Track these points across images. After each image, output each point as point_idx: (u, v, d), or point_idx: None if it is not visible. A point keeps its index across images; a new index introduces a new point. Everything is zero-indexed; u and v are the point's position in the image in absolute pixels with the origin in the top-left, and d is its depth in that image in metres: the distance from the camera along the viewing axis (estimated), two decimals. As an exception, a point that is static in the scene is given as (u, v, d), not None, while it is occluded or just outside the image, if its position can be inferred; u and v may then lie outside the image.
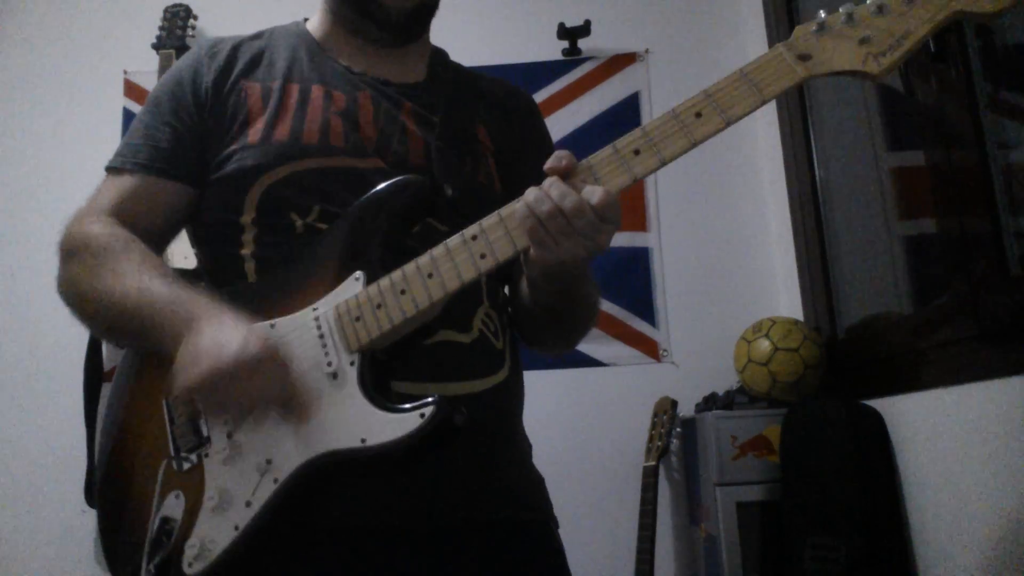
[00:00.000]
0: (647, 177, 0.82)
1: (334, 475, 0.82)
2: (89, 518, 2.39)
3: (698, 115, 0.79)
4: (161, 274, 0.90)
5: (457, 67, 1.16)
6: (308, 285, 0.88)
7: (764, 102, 0.79)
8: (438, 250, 0.83)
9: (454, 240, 0.83)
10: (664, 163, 0.79)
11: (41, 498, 2.41)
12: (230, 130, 0.98)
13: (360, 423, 0.80)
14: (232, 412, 0.84)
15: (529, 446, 1.05)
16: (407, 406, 0.79)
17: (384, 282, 0.84)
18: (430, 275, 0.82)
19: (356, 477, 0.84)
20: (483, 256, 0.81)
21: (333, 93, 1.01)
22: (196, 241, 1.04)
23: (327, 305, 0.86)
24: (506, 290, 1.11)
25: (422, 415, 0.78)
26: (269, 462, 0.82)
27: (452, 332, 0.93)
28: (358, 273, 0.86)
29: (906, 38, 0.75)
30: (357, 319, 0.83)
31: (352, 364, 0.83)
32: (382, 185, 0.89)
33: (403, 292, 0.83)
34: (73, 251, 0.95)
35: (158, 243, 1.00)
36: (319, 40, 1.08)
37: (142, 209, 0.98)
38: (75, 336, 2.01)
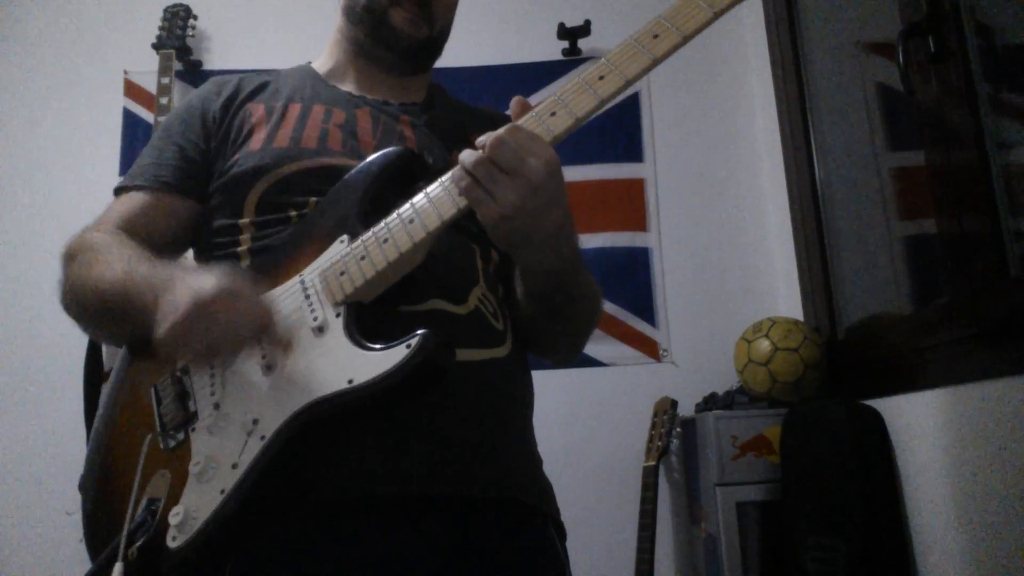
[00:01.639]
0: (615, 100, 0.84)
1: (323, 433, 0.80)
2: (89, 518, 2.39)
3: (655, 36, 0.84)
4: (130, 258, 0.91)
5: (454, 98, 1.22)
6: (296, 260, 0.89)
7: (716, 15, 0.83)
8: (418, 198, 0.85)
9: (433, 186, 0.84)
10: (628, 81, 0.82)
11: (41, 499, 2.40)
12: (235, 144, 1.02)
13: (347, 365, 0.79)
14: (218, 348, 0.81)
15: (539, 459, 1.03)
16: (393, 342, 0.78)
17: (367, 235, 0.85)
18: (411, 220, 0.83)
19: (344, 441, 0.82)
20: (462, 194, 0.82)
21: (333, 110, 1.05)
22: (198, 253, 1.07)
23: (313, 271, 0.87)
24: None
25: (408, 346, 0.76)
26: (256, 421, 0.80)
27: (445, 302, 0.93)
28: (343, 237, 0.87)
29: None
30: (342, 274, 0.84)
31: (338, 316, 0.83)
32: (363, 162, 0.92)
33: (386, 241, 0.83)
34: (72, 254, 0.98)
35: (167, 255, 1.00)
36: (324, 75, 1.14)
37: (147, 222, 1.01)
38: (75, 338, 2.01)
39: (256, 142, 1.01)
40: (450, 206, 0.82)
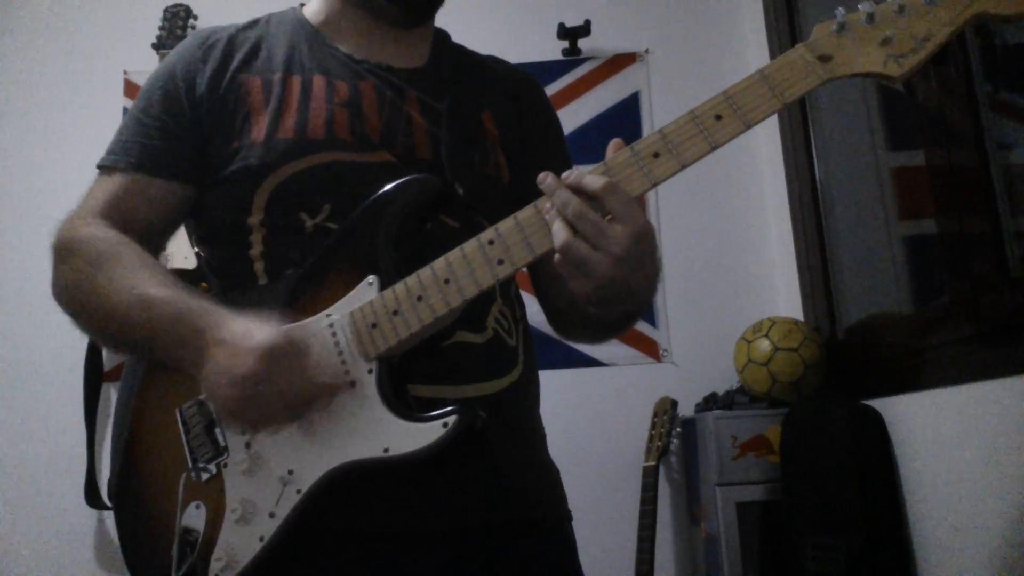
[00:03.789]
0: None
1: (356, 482, 0.83)
2: (89, 518, 2.39)
3: (718, 117, 0.77)
4: (160, 281, 0.88)
5: (460, 49, 1.14)
6: (320, 289, 0.87)
7: (785, 105, 0.77)
8: (454, 255, 0.81)
9: (470, 245, 0.81)
10: (684, 166, 0.77)
11: (41, 498, 2.40)
12: (232, 127, 0.96)
13: (382, 433, 0.80)
14: (272, 417, 0.82)
15: (544, 436, 1.05)
16: (429, 415, 0.79)
17: (399, 288, 0.83)
18: (447, 281, 0.81)
19: (376, 484, 0.84)
20: (500, 262, 0.79)
21: (335, 83, 0.99)
22: (201, 241, 1.03)
23: (340, 312, 0.84)
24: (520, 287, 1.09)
25: (445, 424, 0.78)
26: (291, 472, 0.82)
27: (466, 333, 0.93)
28: (371, 278, 0.84)
29: (928, 40, 0.73)
30: (373, 326, 0.82)
31: (370, 372, 0.82)
32: (391, 185, 0.88)
33: (419, 299, 0.81)
34: (66, 256, 0.93)
35: (153, 242, 0.98)
36: (318, 26, 1.05)
37: (134, 209, 0.96)
38: (74, 336, 2.01)
39: (258, 131, 0.95)
40: (489, 276, 0.80)
